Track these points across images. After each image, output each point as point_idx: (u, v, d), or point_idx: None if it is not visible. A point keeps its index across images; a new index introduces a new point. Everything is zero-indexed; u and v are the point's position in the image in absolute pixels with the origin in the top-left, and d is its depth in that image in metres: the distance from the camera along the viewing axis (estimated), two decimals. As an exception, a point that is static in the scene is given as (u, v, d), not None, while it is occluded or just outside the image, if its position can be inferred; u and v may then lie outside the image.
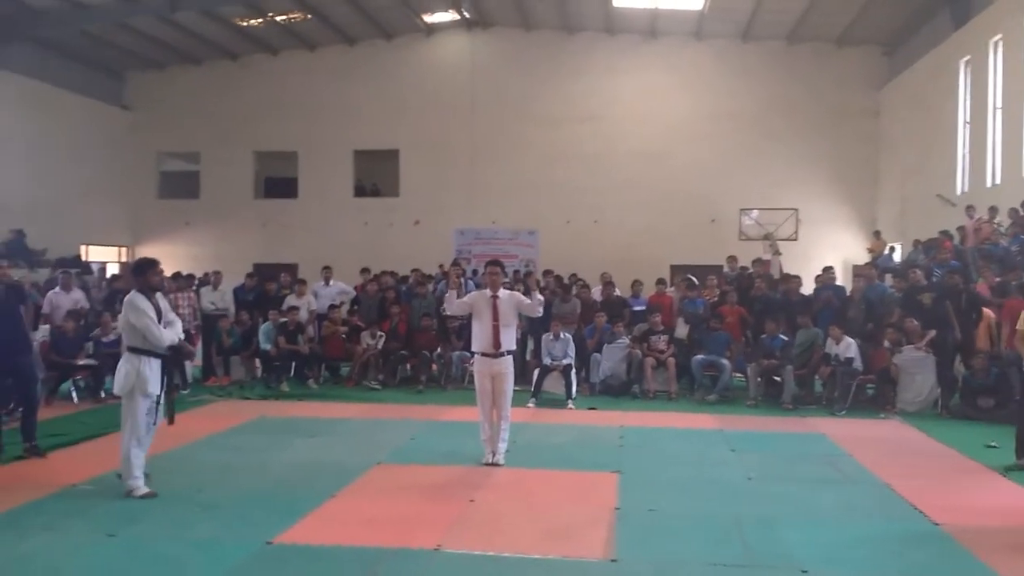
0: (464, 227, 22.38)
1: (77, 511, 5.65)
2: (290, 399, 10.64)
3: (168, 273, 15.83)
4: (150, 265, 6.14)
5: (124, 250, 24.28)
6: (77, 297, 11.86)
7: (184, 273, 13.20)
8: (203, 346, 12.17)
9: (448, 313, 7.28)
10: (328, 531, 5.27)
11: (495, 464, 6.99)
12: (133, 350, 5.94)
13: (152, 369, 5.92)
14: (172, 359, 6.17)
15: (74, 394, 10.22)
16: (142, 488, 5.93)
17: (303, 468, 6.91)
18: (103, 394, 10.22)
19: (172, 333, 6.05)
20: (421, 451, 7.68)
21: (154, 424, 6.07)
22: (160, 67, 23.86)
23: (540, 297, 7.30)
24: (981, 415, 9.22)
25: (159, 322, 5.95)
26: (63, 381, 10.27)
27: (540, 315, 7.58)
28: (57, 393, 10.16)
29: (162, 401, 6.10)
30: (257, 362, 11.95)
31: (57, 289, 11.65)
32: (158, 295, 6.14)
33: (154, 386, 5.93)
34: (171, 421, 6.25)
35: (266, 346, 11.56)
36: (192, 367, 11.76)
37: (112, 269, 22.08)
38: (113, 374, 10.33)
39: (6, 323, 7.21)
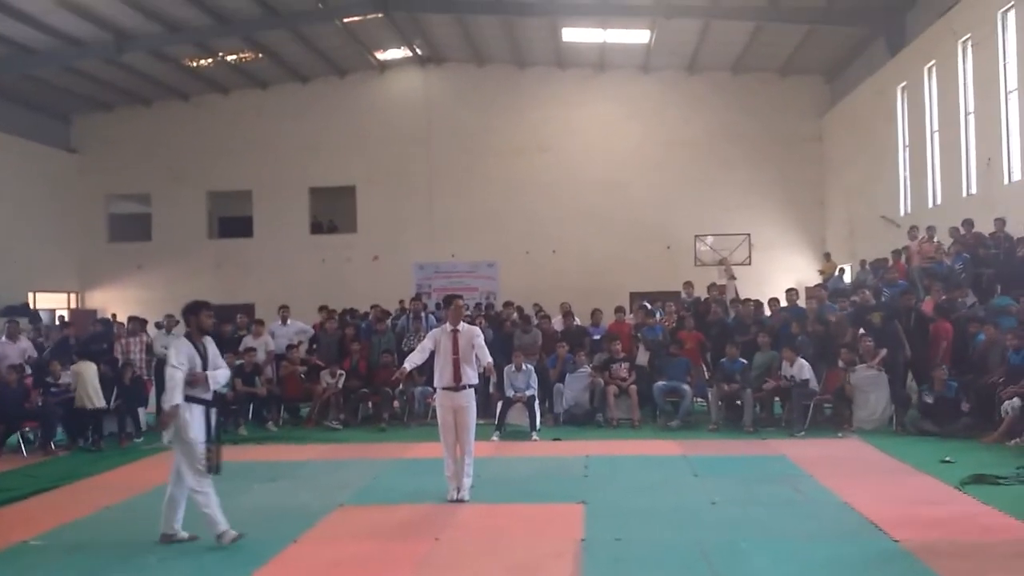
0: (423, 261, 22.38)
1: (28, 568, 5.44)
2: (248, 443, 10.42)
3: (120, 318, 15.58)
4: (202, 307, 5.94)
5: (73, 296, 23.71)
6: (24, 346, 11.55)
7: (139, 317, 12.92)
8: (156, 392, 11.89)
9: (411, 366, 7.27)
10: (291, 577, 5.16)
11: (460, 500, 6.92)
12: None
13: (193, 415, 5.71)
14: (216, 406, 5.94)
15: (23, 446, 9.89)
16: (230, 532, 5.68)
17: (264, 513, 6.75)
18: (52, 446, 9.92)
19: (212, 381, 5.85)
20: (385, 490, 7.57)
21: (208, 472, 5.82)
22: (108, 108, 23.58)
23: (490, 364, 7.27)
24: (936, 430, 9.42)
25: (205, 367, 5.79)
26: (9, 434, 9.94)
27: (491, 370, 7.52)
28: (5, 446, 9.82)
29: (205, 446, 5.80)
30: (214, 406, 11.69)
31: (3, 339, 11.34)
32: (207, 339, 5.94)
33: (195, 432, 5.71)
34: (215, 471, 5.81)
35: (222, 389, 11.33)
36: (146, 414, 11.48)
37: (61, 316, 21.55)
38: (61, 425, 10.15)
39: None
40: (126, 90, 22.55)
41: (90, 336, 12.80)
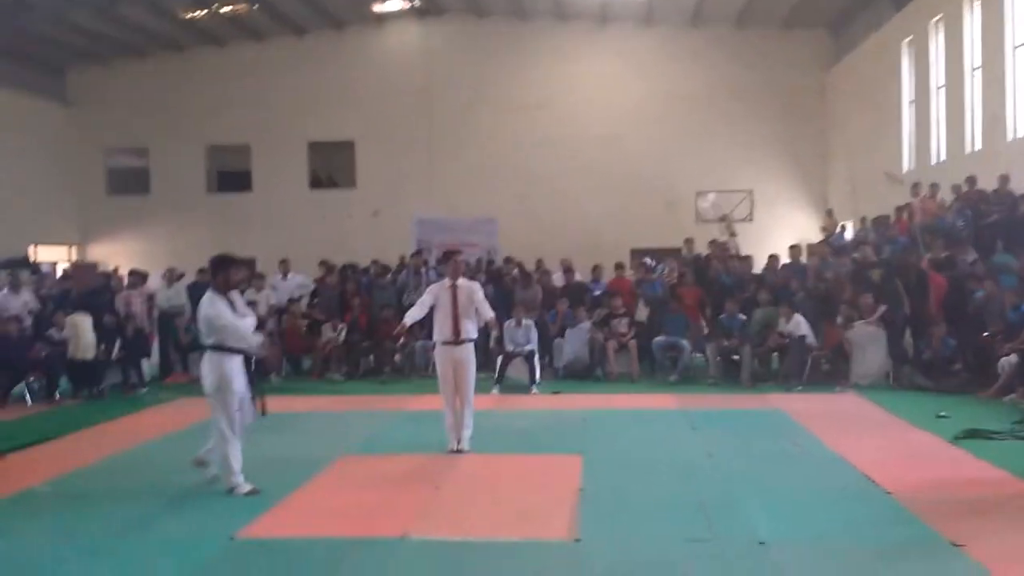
0: (423, 216, 22.27)
1: (36, 513, 5.55)
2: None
3: (122, 271, 15.60)
4: (231, 263, 5.98)
5: (74, 248, 23.71)
6: (26, 299, 11.58)
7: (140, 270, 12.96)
8: (160, 344, 12.00)
9: (411, 321, 7.32)
10: (293, 523, 5.26)
11: (460, 451, 7.02)
12: (215, 348, 5.81)
13: (235, 366, 5.80)
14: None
15: (28, 396, 10.00)
16: (244, 485, 5.81)
17: (267, 462, 6.81)
18: (57, 395, 10.03)
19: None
20: (386, 441, 7.67)
21: (246, 421, 5.99)
22: (103, 61, 23.23)
23: (492, 318, 7.34)
24: (933, 386, 9.51)
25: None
26: (15, 383, 10.05)
27: (492, 323, 7.60)
28: (10, 396, 9.93)
29: (250, 396, 5.97)
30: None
31: (5, 291, 11.37)
32: (233, 293, 5.97)
33: (239, 383, 5.82)
34: (263, 412, 6.13)
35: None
36: (149, 365, 11.59)
37: (66, 268, 21.58)
38: (66, 374, 10.25)
39: None
40: (120, 42, 22.19)
41: (91, 289, 12.83)
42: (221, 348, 5.78)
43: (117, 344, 10.73)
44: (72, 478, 6.44)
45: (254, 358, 6.00)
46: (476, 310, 7.15)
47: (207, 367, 5.83)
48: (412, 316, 7.26)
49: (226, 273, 5.90)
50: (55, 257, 22.69)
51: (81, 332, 10.36)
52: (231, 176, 24.19)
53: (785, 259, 12.40)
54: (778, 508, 5.37)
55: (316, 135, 23.32)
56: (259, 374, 6.07)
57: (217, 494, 5.88)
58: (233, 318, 5.77)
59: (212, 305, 5.76)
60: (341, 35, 23.08)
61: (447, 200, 22.55)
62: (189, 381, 11.34)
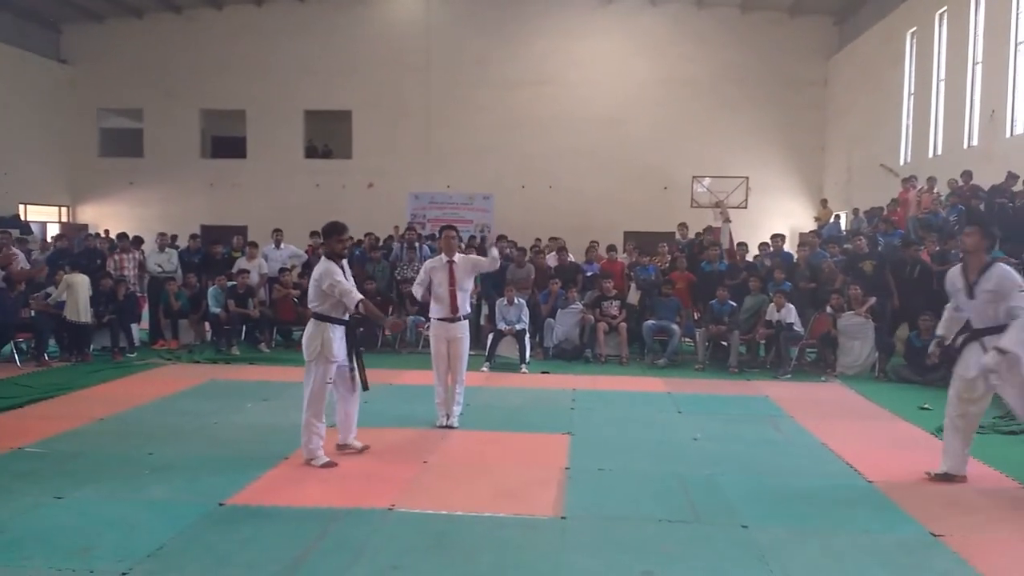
0: (418, 191, 22.24)
1: (23, 473, 5.56)
2: (240, 363, 10.55)
3: (112, 234, 15.52)
4: (338, 230, 6.00)
5: (64, 210, 23.55)
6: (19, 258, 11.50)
7: (130, 235, 12.91)
8: (150, 309, 11.99)
9: (418, 296, 7.40)
10: (281, 492, 5.29)
11: (449, 427, 7.07)
12: (319, 317, 5.87)
13: (337, 335, 5.85)
14: (356, 325, 6.11)
15: (16, 357, 9.98)
16: (321, 458, 5.86)
17: (255, 431, 6.90)
18: (46, 356, 10.01)
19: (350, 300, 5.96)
20: (375, 414, 7.67)
21: (353, 391, 6.13)
22: (99, 19, 22.98)
23: (496, 252, 7.38)
24: (917, 379, 9.59)
25: None
26: (4, 344, 10.03)
27: (497, 268, 7.67)
28: (-1, 356, 9.93)
29: (349, 367, 6.03)
30: (206, 325, 11.80)
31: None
32: (343, 261, 6.02)
33: (339, 352, 5.87)
34: (365, 387, 6.16)
35: (215, 309, 11.41)
36: (139, 330, 11.58)
37: (52, 229, 21.49)
38: (54, 336, 10.23)
39: None
40: (118, 1, 21.94)
41: (82, 251, 12.77)
42: (324, 317, 5.85)
43: (108, 307, 10.71)
44: (61, 440, 6.45)
45: (356, 330, 6.09)
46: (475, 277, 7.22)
47: (309, 334, 5.89)
48: (417, 295, 7.40)
49: (330, 240, 5.97)
50: (45, 217, 22.55)
51: (79, 293, 10.34)
52: (226, 141, 24.06)
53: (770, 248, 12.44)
54: (761, 493, 5.44)
55: (313, 103, 23.17)
56: (359, 346, 6.15)
57: (204, 461, 5.91)
58: (344, 280, 5.83)
59: (328, 274, 5.82)
60: (343, 2, 22.86)
61: (443, 175, 22.50)
62: (179, 347, 11.38)
